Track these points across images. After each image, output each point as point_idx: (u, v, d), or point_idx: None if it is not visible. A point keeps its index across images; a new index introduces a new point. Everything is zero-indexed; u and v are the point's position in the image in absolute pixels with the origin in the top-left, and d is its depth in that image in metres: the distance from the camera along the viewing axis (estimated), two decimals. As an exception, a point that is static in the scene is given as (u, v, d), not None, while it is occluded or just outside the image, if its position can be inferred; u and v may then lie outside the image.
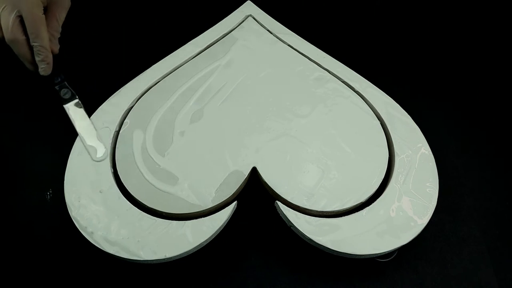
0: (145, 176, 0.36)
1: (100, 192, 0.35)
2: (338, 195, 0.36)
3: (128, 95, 0.41)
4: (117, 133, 0.39)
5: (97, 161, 0.36)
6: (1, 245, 0.37)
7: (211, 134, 0.39)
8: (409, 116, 0.41)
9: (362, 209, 0.35)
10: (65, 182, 0.36)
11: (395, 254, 0.36)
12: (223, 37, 0.47)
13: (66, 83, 0.39)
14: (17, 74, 0.50)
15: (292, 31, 0.47)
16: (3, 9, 0.34)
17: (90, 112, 0.40)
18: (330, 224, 0.34)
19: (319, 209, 0.35)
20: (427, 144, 0.39)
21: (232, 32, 0.47)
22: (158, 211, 0.35)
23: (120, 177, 0.36)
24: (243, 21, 0.48)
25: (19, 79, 0.50)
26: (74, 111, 0.39)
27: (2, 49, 0.39)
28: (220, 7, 0.50)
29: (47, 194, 0.40)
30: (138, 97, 0.41)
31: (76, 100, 0.39)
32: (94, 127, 0.38)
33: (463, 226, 0.40)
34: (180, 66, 0.44)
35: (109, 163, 0.37)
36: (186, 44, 0.46)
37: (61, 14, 0.39)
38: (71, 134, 0.39)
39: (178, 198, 0.35)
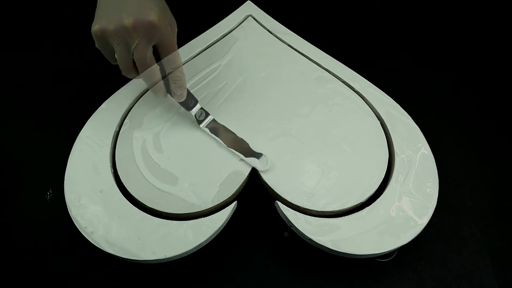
0: (145, 176, 0.36)
1: (100, 192, 0.35)
2: (338, 195, 0.35)
3: (128, 95, 0.41)
4: (117, 133, 0.39)
5: (264, 171, 0.36)
6: (1, 245, 0.37)
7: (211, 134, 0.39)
8: (409, 116, 0.41)
9: (362, 209, 0.35)
10: (65, 182, 0.36)
11: (395, 254, 0.36)
12: (223, 37, 0.47)
13: (199, 104, 0.39)
14: (16, 75, 0.50)
15: (292, 31, 0.47)
16: (137, 43, 0.32)
17: (90, 111, 0.40)
18: (330, 224, 0.34)
19: (319, 209, 0.35)
20: (427, 144, 0.39)
21: (232, 32, 0.47)
22: (158, 211, 0.35)
23: (120, 177, 0.36)
24: (243, 21, 0.48)
25: (19, 80, 0.50)
26: (211, 128, 0.39)
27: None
28: (220, 7, 0.50)
29: (47, 194, 0.40)
30: (138, 97, 0.41)
31: (211, 118, 0.39)
32: (241, 138, 0.38)
33: (463, 226, 0.40)
34: (180, 66, 0.44)
35: (109, 163, 0.37)
36: (186, 44, 0.46)
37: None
38: (71, 134, 0.39)
39: (178, 198, 0.35)
